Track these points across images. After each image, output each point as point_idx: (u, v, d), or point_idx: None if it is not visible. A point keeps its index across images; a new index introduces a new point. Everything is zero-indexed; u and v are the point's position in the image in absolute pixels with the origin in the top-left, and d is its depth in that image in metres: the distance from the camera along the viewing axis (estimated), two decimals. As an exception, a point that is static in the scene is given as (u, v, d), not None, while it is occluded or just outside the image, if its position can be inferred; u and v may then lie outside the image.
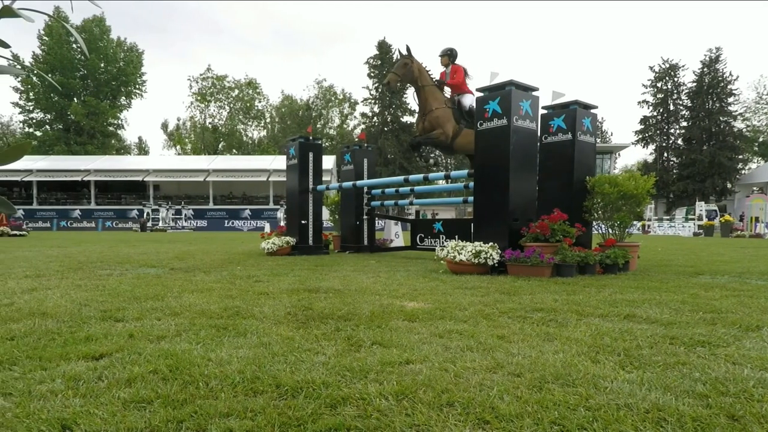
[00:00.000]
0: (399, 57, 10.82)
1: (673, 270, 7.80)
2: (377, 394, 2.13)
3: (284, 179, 11.90)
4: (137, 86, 74.25)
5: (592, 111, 8.10)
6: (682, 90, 65.26)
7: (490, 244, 7.00)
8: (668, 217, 48.39)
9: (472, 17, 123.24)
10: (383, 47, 68.97)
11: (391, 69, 10.80)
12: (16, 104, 69.16)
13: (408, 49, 10.65)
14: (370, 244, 12.35)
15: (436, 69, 11.14)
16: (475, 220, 7.65)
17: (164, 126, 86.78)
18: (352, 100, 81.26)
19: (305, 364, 2.54)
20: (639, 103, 67.55)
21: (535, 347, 2.88)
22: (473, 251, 6.87)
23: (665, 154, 66.76)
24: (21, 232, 25.11)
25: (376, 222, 12.65)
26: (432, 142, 10.71)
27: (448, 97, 11.02)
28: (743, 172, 61.17)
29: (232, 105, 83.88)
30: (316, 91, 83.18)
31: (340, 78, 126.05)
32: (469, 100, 10.77)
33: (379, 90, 66.72)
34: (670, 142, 66.72)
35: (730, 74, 61.19)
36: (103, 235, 28.97)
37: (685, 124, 65.02)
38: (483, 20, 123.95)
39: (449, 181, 11.23)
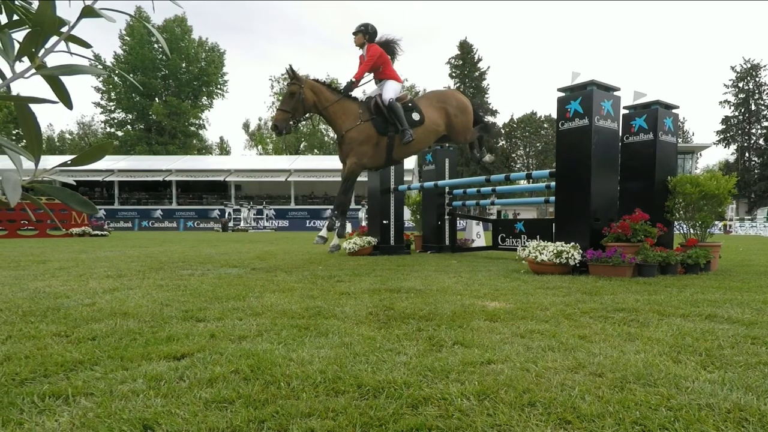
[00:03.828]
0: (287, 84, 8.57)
1: (754, 270, 7.58)
2: (459, 394, 2.12)
3: (366, 179, 11.92)
4: (219, 86, 75.15)
5: (674, 111, 7.94)
6: (764, 90, 63.19)
7: (572, 244, 6.98)
8: (749, 217, 46.59)
9: (554, 17, 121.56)
10: (464, 47, 68.47)
11: (278, 106, 8.50)
12: (97, 104, 71.16)
13: (292, 71, 8.39)
14: (452, 244, 12.29)
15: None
16: (556, 220, 7.62)
17: (246, 126, 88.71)
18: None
19: (387, 364, 2.54)
20: (720, 103, 66.34)
21: (617, 347, 2.88)
22: (555, 251, 6.86)
23: (747, 154, 64.72)
24: (102, 232, 25.08)
25: (458, 222, 12.59)
26: (351, 186, 8.70)
27: (370, 95, 9.05)
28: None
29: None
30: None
31: (421, 78, 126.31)
32: (390, 91, 8.79)
33: (459, 89, 65.92)
34: (752, 141, 64.73)
35: (813, 74, 59.02)
36: (184, 235, 29.27)
37: (766, 124, 62.82)
38: (565, 20, 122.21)
39: (531, 181, 10.94)
